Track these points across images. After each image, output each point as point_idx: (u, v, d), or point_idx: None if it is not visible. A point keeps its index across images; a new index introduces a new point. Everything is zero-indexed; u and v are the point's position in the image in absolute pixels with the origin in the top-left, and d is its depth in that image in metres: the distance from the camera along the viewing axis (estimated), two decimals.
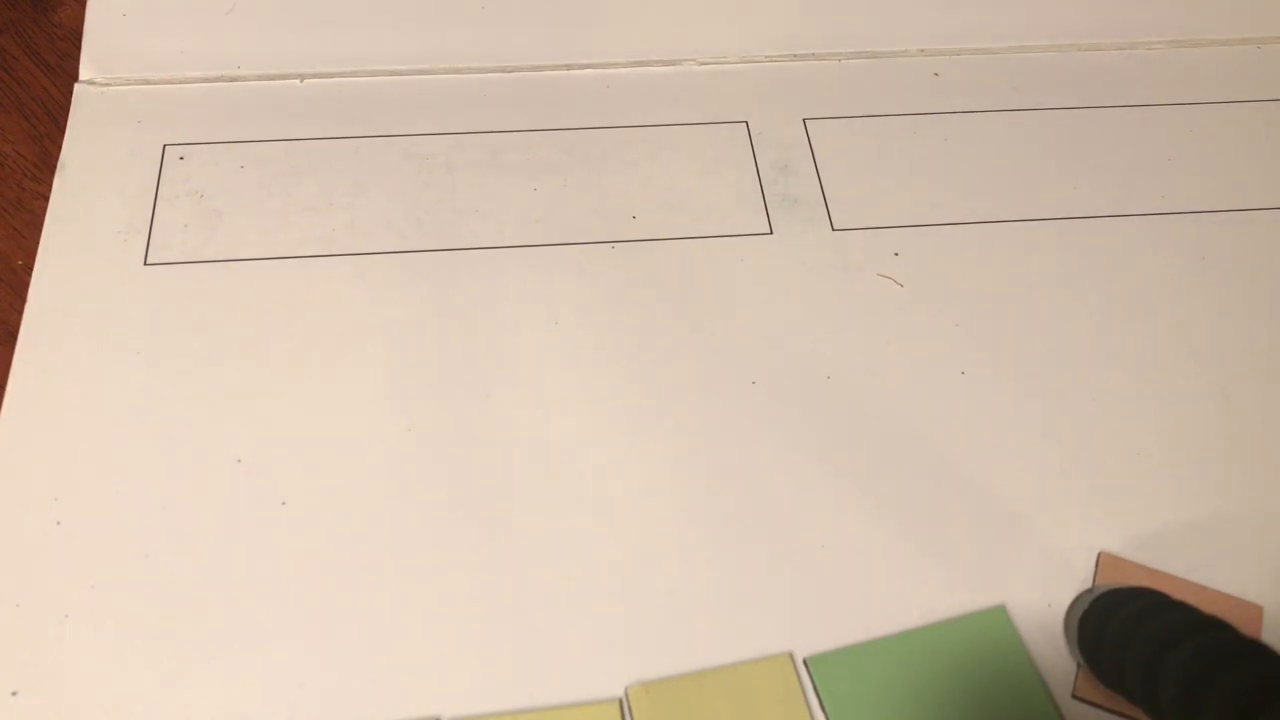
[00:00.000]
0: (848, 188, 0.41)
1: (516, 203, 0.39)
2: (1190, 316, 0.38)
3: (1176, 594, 0.30)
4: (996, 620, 0.32)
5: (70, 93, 0.41)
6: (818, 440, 0.35)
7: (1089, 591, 0.32)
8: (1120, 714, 0.31)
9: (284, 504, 0.32)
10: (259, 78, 0.42)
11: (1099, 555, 0.33)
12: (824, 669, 0.30)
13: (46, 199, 0.38)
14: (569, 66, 0.42)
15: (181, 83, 0.42)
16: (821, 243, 0.39)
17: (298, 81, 0.42)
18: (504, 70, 0.43)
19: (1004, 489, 0.34)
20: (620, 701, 0.30)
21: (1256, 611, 0.32)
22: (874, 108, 0.43)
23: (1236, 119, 0.44)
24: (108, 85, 0.41)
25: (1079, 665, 0.31)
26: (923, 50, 0.45)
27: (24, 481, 0.32)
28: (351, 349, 0.35)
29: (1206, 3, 0.47)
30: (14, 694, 0.29)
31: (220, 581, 0.31)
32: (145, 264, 0.36)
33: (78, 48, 0.42)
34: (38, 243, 0.37)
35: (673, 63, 0.44)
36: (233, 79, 0.42)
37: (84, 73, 0.42)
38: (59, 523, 0.32)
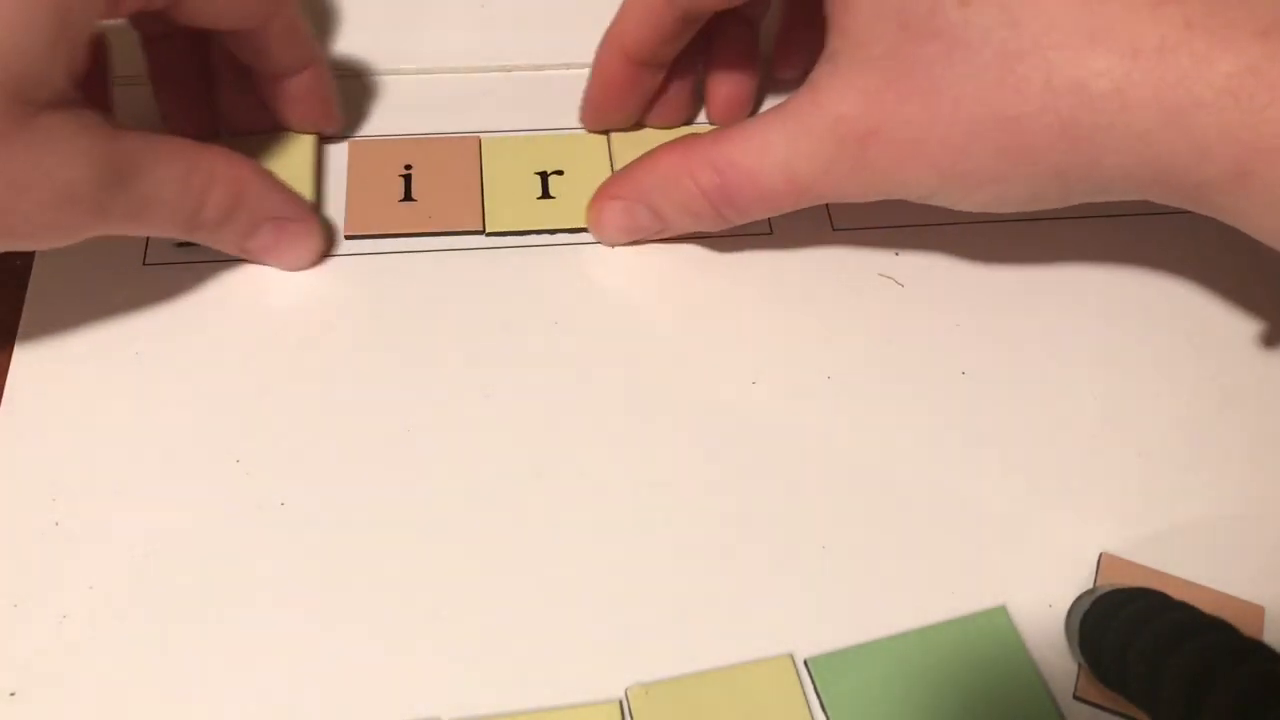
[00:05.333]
0: None
1: None
2: (1190, 316, 0.38)
3: (1178, 594, 0.30)
4: (997, 620, 0.32)
5: None
6: (818, 440, 0.35)
7: (1090, 592, 0.32)
8: (1122, 715, 0.31)
9: (284, 504, 0.32)
10: None
11: (1100, 555, 0.33)
12: (825, 670, 0.30)
13: None
14: (569, 66, 0.42)
15: None
16: (821, 243, 0.39)
17: None
18: (504, 70, 0.43)
19: (1004, 489, 0.34)
20: (620, 702, 0.30)
21: (1258, 611, 0.32)
22: None
23: None
24: None
25: (1080, 666, 0.31)
26: None
27: (24, 481, 0.32)
28: (351, 349, 0.35)
29: None
30: (13, 694, 0.29)
31: (220, 582, 0.31)
32: (145, 264, 0.36)
33: None
34: None
35: None
36: None
37: None
38: (59, 523, 0.31)
